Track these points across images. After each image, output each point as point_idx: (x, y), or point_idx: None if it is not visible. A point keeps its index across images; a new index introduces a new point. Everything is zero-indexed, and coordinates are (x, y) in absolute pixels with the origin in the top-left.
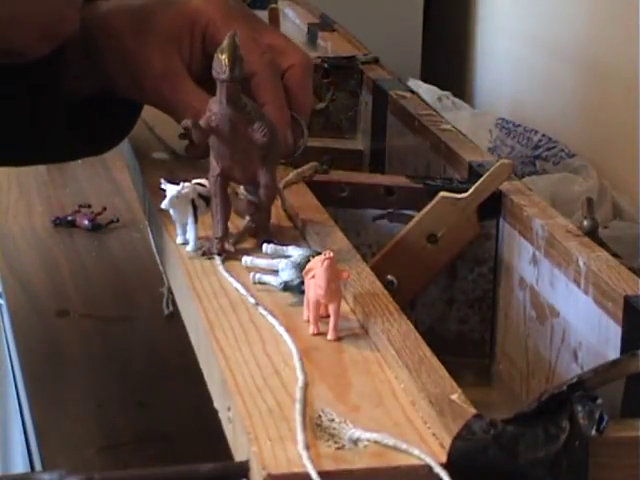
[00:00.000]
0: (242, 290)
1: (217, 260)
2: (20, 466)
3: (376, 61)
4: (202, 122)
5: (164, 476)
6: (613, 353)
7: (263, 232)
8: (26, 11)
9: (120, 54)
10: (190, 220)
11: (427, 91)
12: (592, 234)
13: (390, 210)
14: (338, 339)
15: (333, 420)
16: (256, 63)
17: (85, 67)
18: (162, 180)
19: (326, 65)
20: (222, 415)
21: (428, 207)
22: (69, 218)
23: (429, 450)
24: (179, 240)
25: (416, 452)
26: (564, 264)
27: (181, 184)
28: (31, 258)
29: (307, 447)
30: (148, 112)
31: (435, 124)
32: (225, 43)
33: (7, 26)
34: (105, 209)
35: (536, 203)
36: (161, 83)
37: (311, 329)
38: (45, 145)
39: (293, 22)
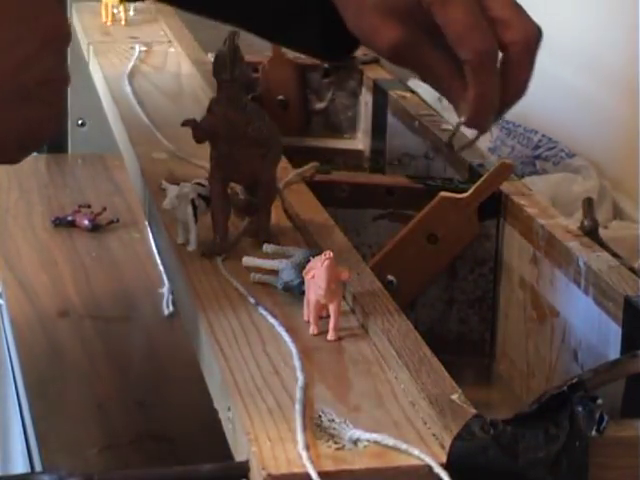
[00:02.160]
0: (242, 290)
1: (217, 260)
2: (20, 466)
3: (376, 61)
4: (202, 122)
5: (164, 476)
6: (613, 353)
7: (263, 232)
8: (4, 127)
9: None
10: (190, 220)
11: (427, 91)
12: (592, 234)
13: (390, 210)
14: (338, 339)
15: (333, 420)
16: (465, 53)
17: None
18: (162, 180)
19: (326, 65)
20: (222, 415)
21: (428, 207)
22: (69, 218)
23: (429, 450)
24: (179, 240)
25: (416, 452)
26: (564, 264)
27: (181, 184)
28: (31, 258)
29: (307, 447)
30: (148, 112)
31: (435, 124)
32: (225, 43)
33: None
34: (105, 209)
35: (536, 203)
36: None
37: (311, 329)
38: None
39: None
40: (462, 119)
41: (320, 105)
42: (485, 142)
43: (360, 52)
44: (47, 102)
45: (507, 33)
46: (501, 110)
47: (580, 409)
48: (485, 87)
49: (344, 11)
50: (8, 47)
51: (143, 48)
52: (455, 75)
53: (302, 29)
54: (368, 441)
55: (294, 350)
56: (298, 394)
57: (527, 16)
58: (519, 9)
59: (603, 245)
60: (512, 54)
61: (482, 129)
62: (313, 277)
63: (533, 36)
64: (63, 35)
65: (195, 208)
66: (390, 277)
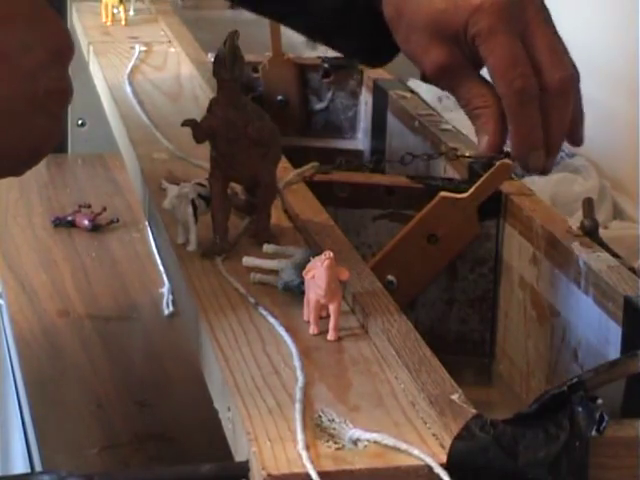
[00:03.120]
0: (242, 290)
1: (217, 260)
2: (20, 466)
3: None
4: (202, 122)
5: (164, 476)
6: (613, 353)
7: (263, 232)
8: (14, 137)
9: None
10: (190, 220)
11: (427, 91)
12: (592, 234)
13: (390, 210)
14: (338, 339)
15: (333, 420)
16: (504, 88)
17: None
18: (162, 180)
19: (326, 65)
20: (222, 415)
21: (428, 207)
22: (69, 218)
23: (429, 450)
24: (179, 240)
25: (416, 452)
26: (564, 264)
27: (181, 184)
28: (31, 258)
29: (307, 447)
30: (148, 112)
31: (435, 124)
32: (225, 43)
33: None
34: (105, 209)
35: (536, 203)
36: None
37: (311, 329)
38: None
39: None
40: (478, 151)
41: (320, 105)
42: None
43: None
44: (53, 114)
45: (546, 75)
46: (551, 151)
47: (580, 409)
48: (524, 123)
49: (396, 27)
50: (20, 55)
51: (143, 48)
52: (489, 106)
53: (351, 33)
54: (368, 441)
55: (294, 350)
56: (298, 394)
57: (568, 58)
58: (560, 50)
59: (603, 245)
60: (549, 96)
61: (534, 167)
62: (313, 277)
63: (570, 79)
64: (68, 47)
65: (195, 208)
66: (390, 277)
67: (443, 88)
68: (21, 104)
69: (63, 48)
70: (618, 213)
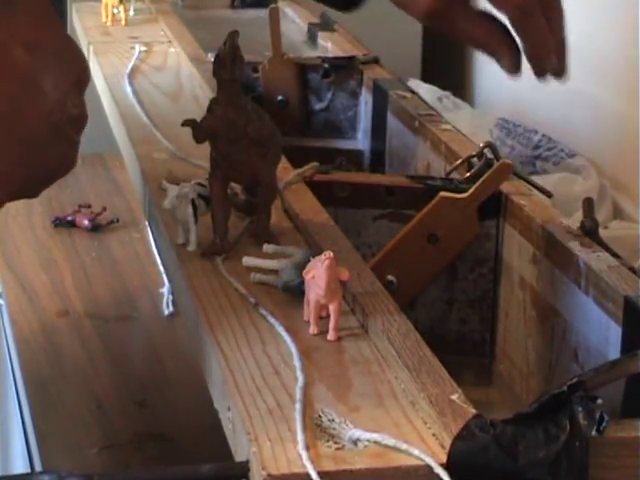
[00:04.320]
0: (242, 290)
1: (217, 260)
2: (20, 466)
3: (376, 61)
4: (202, 122)
5: (164, 476)
6: (613, 353)
7: (263, 232)
8: (39, 166)
9: None
10: (190, 220)
11: (427, 91)
12: (592, 234)
13: (390, 210)
14: (338, 339)
15: (333, 420)
16: (505, 5)
17: None
18: (162, 180)
19: (326, 65)
20: (222, 415)
21: (428, 207)
22: (69, 218)
23: (429, 450)
24: (179, 240)
25: (416, 452)
26: (564, 264)
27: (181, 184)
28: (31, 258)
29: (307, 447)
30: (148, 112)
31: (435, 124)
32: (225, 43)
33: (24, 186)
34: (105, 209)
35: (536, 203)
36: None
37: (311, 329)
38: None
39: (293, 21)
40: (509, 74)
41: (320, 105)
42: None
43: (360, 52)
44: (71, 140)
45: None
46: (561, 54)
47: (580, 409)
48: (534, 33)
49: None
50: (48, 85)
51: (143, 48)
52: (494, 33)
53: None
54: (368, 441)
55: (294, 350)
56: (298, 394)
57: None
58: None
59: (603, 245)
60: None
61: (553, 71)
62: (313, 277)
63: None
64: (86, 76)
65: (195, 208)
66: (390, 277)
67: (439, 29)
68: (46, 133)
69: (82, 76)
70: (618, 213)
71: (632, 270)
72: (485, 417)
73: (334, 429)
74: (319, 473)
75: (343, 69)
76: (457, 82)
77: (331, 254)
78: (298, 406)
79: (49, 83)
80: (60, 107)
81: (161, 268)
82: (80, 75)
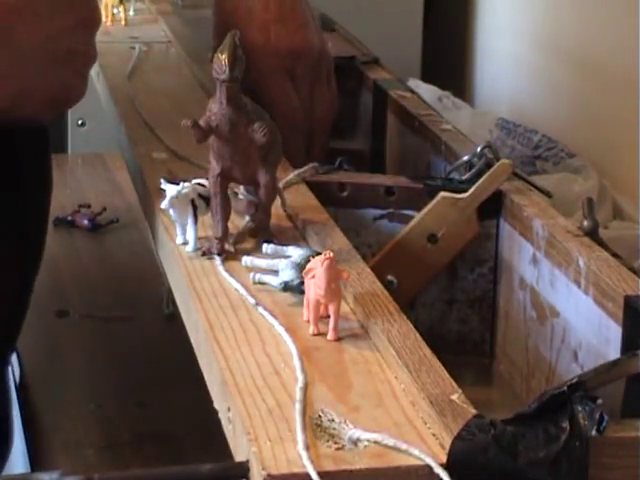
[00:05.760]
0: (242, 290)
1: (217, 260)
2: (20, 466)
3: (376, 61)
4: (202, 122)
5: (164, 476)
6: (613, 353)
7: (263, 232)
8: (36, 85)
9: None
10: (190, 220)
11: (427, 91)
12: (592, 234)
13: (390, 210)
14: (338, 339)
15: (333, 420)
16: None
17: None
18: (162, 180)
19: None
20: (222, 415)
21: (428, 207)
22: (69, 218)
23: (429, 450)
24: (179, 240)
25: (416, 452)
26: (564, 264)
27: (181, 184)
28: None
29: (307, 447)
30: (148, 112)
31: (435, 124)
32: (225, 43)
33: (18, 98)
34: (105, 209)
35: (536, 203)
36: None
37: (311, 329)
38: None
39: None
40: None
41: None
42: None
43: (360, 52)
44: (75, 70)
45: None
46: None
47: (580, 409)
48: None
49: None
50: (48, 17)
51: (143, 48)
52: None
53: None
54: (368, 441)
55: (294, 350)
56: (298, 394)
57: None
58: None
59: (603, 245)
60: None
61: None
62: (313, 277)
63: None
64: (94, 18)
65: (195, 208)
66: (390, 277)
67: None
68: (41, 58)
69: (89, 18)
70: (618, 213)
71: (632, 270)
72: (485, 417)
73: (334, 429)
74: (319, 473)
75: (343, 69)
76: (457, 82)
77: (331, 254)
78: (298, 406)
79: (48, 16)
80: (57, 40)
81: (161, 268)
82: (87, 16)
